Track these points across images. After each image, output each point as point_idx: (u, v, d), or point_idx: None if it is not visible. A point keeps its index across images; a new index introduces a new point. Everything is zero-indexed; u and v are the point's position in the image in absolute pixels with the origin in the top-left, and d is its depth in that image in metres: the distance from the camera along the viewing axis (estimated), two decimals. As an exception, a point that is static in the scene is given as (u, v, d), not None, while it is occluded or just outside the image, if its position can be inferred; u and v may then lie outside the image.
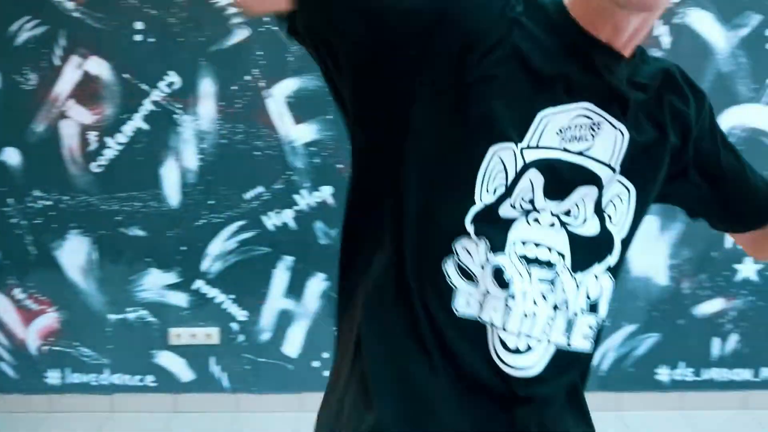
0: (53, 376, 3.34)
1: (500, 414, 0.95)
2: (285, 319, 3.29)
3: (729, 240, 3.17)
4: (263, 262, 3.23)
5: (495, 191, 0.90)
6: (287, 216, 3.19)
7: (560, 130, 0.92)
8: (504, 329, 0.92)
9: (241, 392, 3.34)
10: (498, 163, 0.89)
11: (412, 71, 0.91)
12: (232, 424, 3.25)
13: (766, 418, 3.22)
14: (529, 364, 0.94)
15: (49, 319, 3.29)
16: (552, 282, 0.93)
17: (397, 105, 0.93)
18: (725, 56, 3.04)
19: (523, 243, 0.92)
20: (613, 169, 0.96)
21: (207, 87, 3.09)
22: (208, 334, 3.29)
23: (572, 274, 0.94)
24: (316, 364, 3.30)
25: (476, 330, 0.92)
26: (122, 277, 3.25)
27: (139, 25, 3.03)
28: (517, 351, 0.93)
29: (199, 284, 3.25)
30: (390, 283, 0.94)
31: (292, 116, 3.11)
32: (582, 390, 1.07)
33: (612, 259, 0.99)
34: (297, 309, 3.27)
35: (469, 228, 0.89)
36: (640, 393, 3.31)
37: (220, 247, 3.22)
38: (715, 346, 3.29)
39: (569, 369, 0.99)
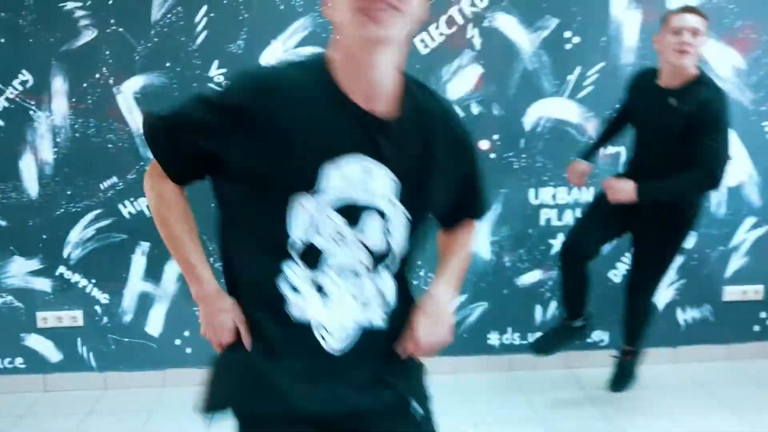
0: None
1: (332, 374, 1.30)
2: (146, 301, 3.39)
3: (543, 217, 3.47)
4: (121, 248, 3.33)
5: (305, 229, 1.23)
6: (142, 204, 3.28)
7: (345, 177, 1.21)
8: (322, 324, 1.28)
9: (107, 371, 3.44)
10: (303, 206, 1.22)
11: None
12: (101, 400, 3.34)
13: (585, 377, 3.48)
14: (341, 345, 1.30)
15: None
16: (358, 284, 1.29)
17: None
18: (530, 55, 3.29)
19: (336, 261, 1.26)
20: (393, 203, 1.27)
21: (59, 85, 3.17)
22: (73, 317, 3.38)
23: (370, 278, 1.29)
24: (177, 342, 3.42)
25: (304, 327, 1.27)
26: None
27: None
28: (333, 333, 1.29)
29: (61, 270, 3.33)
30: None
31: (141, 110, 3.22)
32: (395, 354, 1.38)
33: (393, 267, 1.32)
34: (156, 291, 3.38)
35: (292, 254, 1.24)
36: (474, 356, 3.54)
37: (79, 234, 3.30)
38: (538, 313, 3.55)
39: (376, 341, 1.33)
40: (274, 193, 1.22)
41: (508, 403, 3.23)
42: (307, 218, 1.22)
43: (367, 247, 1.28)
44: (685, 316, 3.60)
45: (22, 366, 3.42)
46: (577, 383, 3.45)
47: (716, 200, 3.49)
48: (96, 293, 3.39)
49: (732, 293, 3.60)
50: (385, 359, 1.35)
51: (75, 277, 3.37)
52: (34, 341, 3.41)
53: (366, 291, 1.30)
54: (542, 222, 3.47)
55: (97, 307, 3.40)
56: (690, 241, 3.46)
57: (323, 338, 1.29)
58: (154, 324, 3.44)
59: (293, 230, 1.23)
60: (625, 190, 2.69)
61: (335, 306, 1.28)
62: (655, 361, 3.54)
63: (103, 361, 3.44)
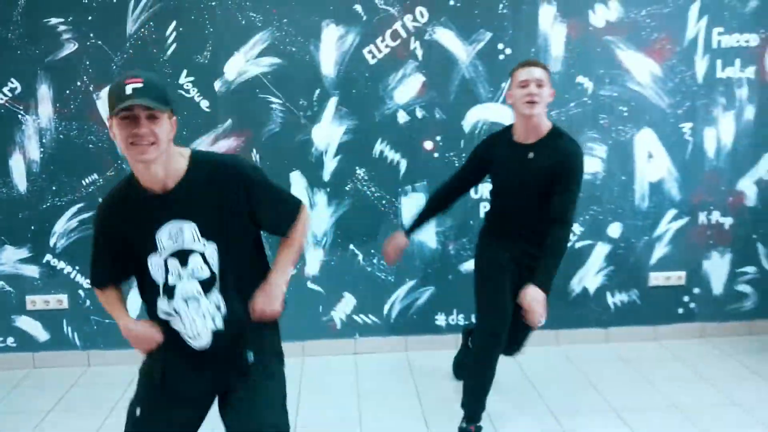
0: None
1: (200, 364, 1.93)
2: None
3: (482, 210, 3.78)
4: None
5: (159, 274, 1.85)
6: None
7: (169, 236, 1.81)
8: (186, 333, 1.89)
9: (90, 349, 3.74)
10: (154, 263, 1.85)
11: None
12: (84, 376, 3.63)
13: (526, 352, 3.82)
14: (204, 344, 1.90)
15: None
16: (199, 304, 1.86)
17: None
18: (467, 65, 3.61)
19: (181, 292, 1.86)
20: (201, 242, 1.83)
21: (44, 92, 3.48)
22: (59, 300, 3.68)
23: (205, 297, 1.87)
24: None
25: (178, 336, 1.90)
26: None
27: None
28: (195, 338, 1.90)
29: (48, 258, 3.64)
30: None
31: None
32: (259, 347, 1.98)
33: (217, 285, 1.88)
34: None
35: (159, 291, 1.88)
36: (423, 336, 3.84)
37: (64, 225, 3.61)
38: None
39: (226, 337, 1.90)
40: (139, 260, 1.88)
41: (453, 381, 3.46)
42: (158, 267, 1.85)
43: (197, 278, 1.86)
44: (614, 299, 3.90)
45: (13, 345, 3.72)
46: (514, 360, 3.63)
47: (639, 194, 3.81)
48: (79, 279, 3.69)
49: (657, 279, 3.91)
50: (232, 343, 1.94)
51: (60, 264, 3.67)
52: (24, 322, 3.71)
53: (204, 308, 1.89)
54: (481, 214, 3.76)
55: (81, 291, 3.70)
56: (617, 231, 3.81)
57: (190, 341, 1.91)
58: (131, 307, 3.70)
59: (153, 276, 1.87)
60: (540, 302, 2.52)
61: (188, 322, 1.89)
62: (587, 341, 3.87)
63: (86, 340, 3.75)
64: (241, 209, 1.88)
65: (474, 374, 2.83)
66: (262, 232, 2.02)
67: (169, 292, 1.87)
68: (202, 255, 1.85)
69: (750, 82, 3.75)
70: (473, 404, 2.81)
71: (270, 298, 1.89)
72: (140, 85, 1.66)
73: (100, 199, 3.43)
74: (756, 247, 3.95)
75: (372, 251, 3.77)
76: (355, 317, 3.83)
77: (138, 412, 1.94)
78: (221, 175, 1.85)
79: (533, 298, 2.50)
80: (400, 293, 3.83)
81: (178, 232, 1.83)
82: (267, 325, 1.95)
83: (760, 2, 3.67)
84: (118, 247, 1.89)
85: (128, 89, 1.65)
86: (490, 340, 2.74)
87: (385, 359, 3.81)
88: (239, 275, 1.91)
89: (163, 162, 1.76)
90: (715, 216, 3.87)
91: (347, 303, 3.79)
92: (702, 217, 3.86)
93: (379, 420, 3.08)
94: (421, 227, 3.05)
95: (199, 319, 1.89)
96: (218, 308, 1.90)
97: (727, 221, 3.89)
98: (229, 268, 1.88)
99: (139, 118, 1.67)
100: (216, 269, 1.87)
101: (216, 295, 1.89)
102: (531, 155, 2.67)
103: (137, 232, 1.84)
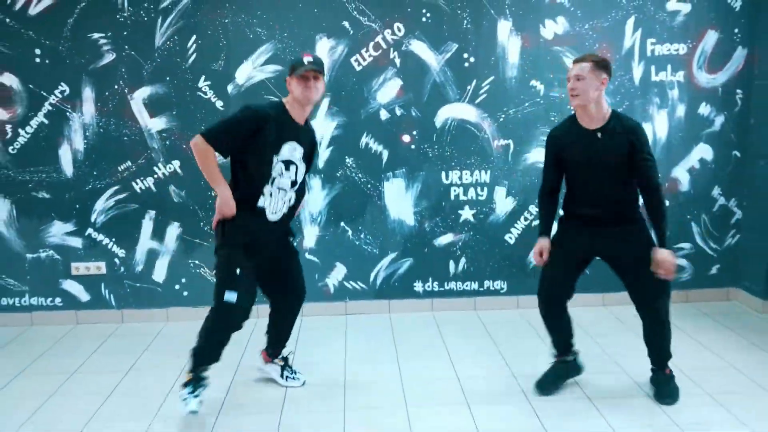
0: None
1: (272, 230, 3.00)
2: (152, 255, 4.32)
3: (452, 193, 4.38)
4: (134, 214, 4.25)
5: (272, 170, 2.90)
6: (149, 182, 4.22)
7: (288, 150, 2.90)
8: (270, 210, 2.94)
9: (124, 308, 4.35)
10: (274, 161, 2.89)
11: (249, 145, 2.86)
12: (118, 330, 4.22)
13: (487, 317, 4.31)
14: (276, 218, 2.97)
15: None
16: (285, 194, 2.96)
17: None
18: (438, 71, 4.19)
19: (278, 183, 2.92)
20: (301, 161, 2.99)
21: (88, 93, 4.11)
22: (98, 267, 4.30)
23: (290, 191, 2.99)
24: (177, 286, 4.35)
25: (263, 211, 2.93)
26: (35, 228, 4.22)
27: (38, 51, 4.05)
28: (274, 214, 2.94)
29: (90, 231, 4.26)
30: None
31: (148, 112, 4.16)
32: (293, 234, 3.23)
33: (295, 188, 3.00)
34: (160, 248, 4.33)
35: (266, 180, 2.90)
36: (403, 300, 4.42)
37: (103, 204, 4.23)
38: (452, 266, 4.42)
39: (287, 220, 3.05)
40: (264, 156, 2.87)
41: (427, 336, 4.01)
42: (274, 165, 2.88)
43: (289, 179, 2.92)
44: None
45: (60, 304, 4.34)
46: (480, 322, 4.26)
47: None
48: (115, 249, 4.31)
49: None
50: (287, 225, 3.09)
51: (99, 237, 4.29)
52: (69, 285, 4.33)
53: (287, 197, 2.98)
54: (452, 197, 4.36)
55: (116, 260, 4.32)
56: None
57: (269, 214, 2.93)
58: (159, 272, 4.35)
59: (270, 169, 2.90)
60: (670, 259, 2.84)
61: (275, 202, 2.93)
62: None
63: (120, 300, 4.36)
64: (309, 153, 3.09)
65: (548, 331, 3.24)
66: None
67: (272, 181, 2.89)
68: (297, 167, 2.95)
69: (680, 85, 4.33)
70: (555, 346, 3.25)
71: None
72: (311, 58, 2.85)
73: (135, 182, 4.11)
74: (690, 226, 4.51)
75: (359, 228, 4.39)
76: (346, 284, 4.45)
77: (237, 271, 2.81)
78: (312, 134, 3.14)
79: (664, 259, 2.82)
80: (383, 263, 4.42)
81: (294, 150, 2.91)
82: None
83: (685, 17, 4.25)
84: (249, 140, 2.79)
85: (305, 60, 2.82)
86: (545, 302, 3.16)
87: (371, 319, 4.41)
88: (299, 191, 3.05)
89: (308, 109, 2.98)
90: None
91: (339, 271, 4.41)
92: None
93: (363, 364, 3.65)
94: (551, 227, 3.18)
95: (281, 203, 2.95)
96: (290, 200, 3.01)
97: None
98: (300, 180, 3.01)
99: (309, 78, 2.83)
100: (298, 178, 2.97)
101: (291, 192, 2.99)
102: (599, 135, 2.89)
103: (275, 140, 2.83)
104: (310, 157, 3.09)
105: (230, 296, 2.76)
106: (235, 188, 2.87)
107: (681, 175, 4.43)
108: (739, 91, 4.34)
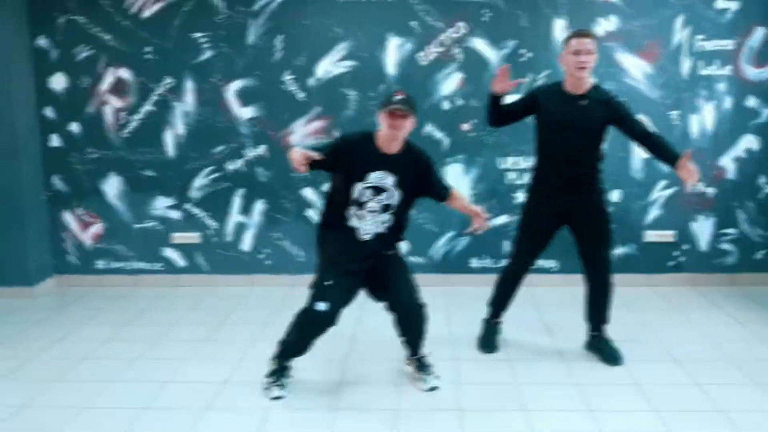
0: (100, 264, 4.92)
1: (363, 247, 3.08)
2: (240, 228, 4.82)
3: (507, 178, 4.74)
4: (226, 192, 4.76)
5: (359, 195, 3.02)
6: (239, 163, 4.74)
7: (376, 178, 3.01)
8: (361, 229, 3.06)
9: (216, 274, 4.87)
10: (361, 187, 3.00)
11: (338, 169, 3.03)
12: (211, 294, 4.71)
13: (540, 293, 4.57)
14: (369, 237, 3.07)
15: (98, 227, 4.86)
16: (377, 217, 3.05)
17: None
18: (496, 66, 4.57)
19: (369, 206, 3.03)
20: (395, 189, 3.05)
21: (189, 85, 4.66)
22: (194, 237, 4.86)
23: (382, 214, 3.06)
24: (261, 256, 4.84)
25: (355, 230, 3.06)
26: (141, 201, 4.79)
27: (148, 49, 4.64)
28: (366, 234, 3.07)
29: (188, 206, 4.80)
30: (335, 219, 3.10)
31: (239, 102, 4.68)
32: (394, 248, 3.24)
33: (391, 211, 3.08)
34: (248, 221, 4.83)
35: (353, 203, 3.03)
36: (460, 275, 4.77)
37: (200, 182, 4.77)
38: (506, 245, 4.76)
39: (379, 237, 3.09)
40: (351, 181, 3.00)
41: (483, 308, 4.17)
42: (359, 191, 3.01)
43: (381, 203, 3.02)
44: (614, 251, 4.74)
45: (162, 269, 4.91)
46: (531, 298, 4.50)
47: (635, 167, 4.66)
48: (209, 221, 4.84)
49: (651, 236, 4.72)
50: (382, 244, 3.10)
51: (195, 211, 4.83)
52: (169, 252, 4.89)
53: (379, 219, 3.06)
54: (507, 181, 4.69)
55: (210, 231, 4.85)
56: (617, 196, 4.67)
57: (360, 233, 3.05)
58: (246, 243, 4.86)
59: (354, 195, 3.02)
60: (692, 168, 3.00)
61: (365, 223, 3.05)
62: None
63: (213, 267, 4.88)
64: (416, 184, 3.11)
65: (496, 283, 3.60)
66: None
67: (361, 204, 3.03)
68: (388, 193, 3.04)
69: (727, 79, 4.53)
70: (494, 307, 3.63)
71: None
72: (402, 96, 2.95)
73: (227, 163, 4.65)
74: (735, 213, 4.70)
75: (421, 208, 4.80)
76: (408, 258, 4.87)
77: (328, 282, 2.97)
78: (417, 160, 3.13)
79: (688, 166, 2.98)
80: (442, 241, 4.80)
81: (382, 177, 3.00)
82: (397, 240, 3.19)
83: (733, 15, 4.46)
84: (335, 163, 3.02)
85: (395, 99, 2.93)
86: (511, 273, 3.50)
87: (431, 292, 4.73)
88: (402, 212, 3.13)
89: (396, 142, 3.02)
90: (700, 186, 4.67)
91: (403, 247, 4.80)
92: (689, 187, 4.67)
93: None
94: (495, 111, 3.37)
95: (372, 224, 3.07)
96: (384, 223, 3.08)
97: (711, 190, 4.67)
98: (401, 207, 3.11)
99: (396, 116, 2.92)
100: (392, 203, 3.06)
101: (387, 215, 3.07)
102: (584, 102, 3.12)
103: (359, 167, 2.99)
104: (413, 183, 3.09)
105: (319, 306, 2.92)
106: (328, 206, 3.14)
107: (727, 164, 4.62)
108: (786, 84, 4.50)
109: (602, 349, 3.44)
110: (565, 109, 3.16)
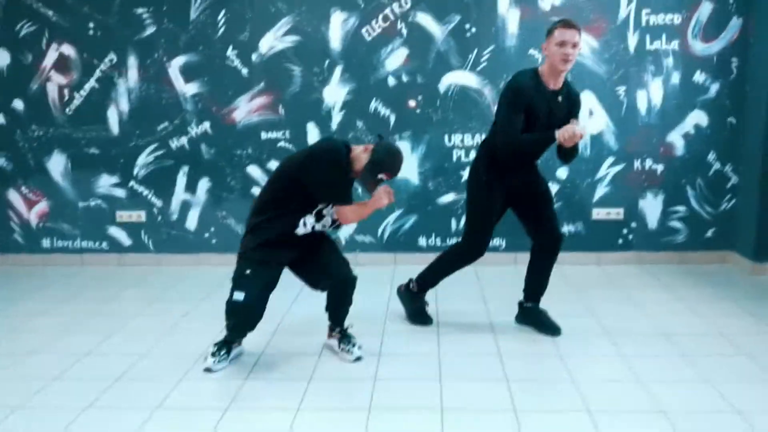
0: (46, 243, 4.86)
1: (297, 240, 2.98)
2: (186, 206, 4.76)
3: (455, 155, 4.66)
4: (170, 170, 4.70)
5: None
6: (184, 140, 4.67)
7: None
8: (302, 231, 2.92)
9: (161, 253, 4.82)
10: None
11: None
12: (155, 272, 4.67)
13: (484, 272, 4.46)
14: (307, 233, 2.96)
15: (43, 206, 4.80)
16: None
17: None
18: (442, 41, 4.46)
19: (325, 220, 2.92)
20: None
21: (132, 61, 4.59)
22: (139, 215, 4.77)
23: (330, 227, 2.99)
24: (206, 235, 4.78)
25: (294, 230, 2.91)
26: (86, 179, 4.73)
27: (91, 24, 4.56)
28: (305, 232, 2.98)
29: (132, 183, 4.74)
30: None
31: (183, 78, 4.61)
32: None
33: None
34: (193, 200, 4.76)
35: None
36: (408, 254, 4.69)
37: (144, 160, 4.71)
38: (453, 223, 4.69)
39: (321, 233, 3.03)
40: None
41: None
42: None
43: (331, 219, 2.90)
44: (563, 230, 4.66)
45: (106, 248, 4.85)
46: (475, 275, 4.45)
47: (583, 143, 4.59)
48: (154, 200, 4.78)
49: (598, 214, 4.65)
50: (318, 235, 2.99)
51: (140, 188, 4.77)
52: (114, 231, 4.83)
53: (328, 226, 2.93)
54: (454, 159, 4.62)
55: (155, 210, 4.79)
56: (564, 173, 4.61)
57: (299, 231, 2.91)
58: (191, 222, 4.80)
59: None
60: (572, 128, 2.90)
61: (311, 229, 2.91)
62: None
63: (158, 246, 4.83)
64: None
65: (440, 263, 3.50)
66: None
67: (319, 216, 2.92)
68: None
69: (675, 53, 4.47)
70: (425, 282, 3.55)
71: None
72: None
73: (171, 140, 4.59)
74: (685, 190, 4.63)
75: (371, 187, 4.72)
76: (356, 237, 4.80)
77: (247, 272, 2.88)
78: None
79: (566, 128, 2.90)
80: (390, 219, 4.72)
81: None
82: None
83: (679, -12, 4.39)
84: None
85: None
86: (467, 255, 3.37)
87: (378, 270, 4.72)
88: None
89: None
90: (648, 163, 4.59)
91: (350, 226, 4.75)
92: (637, 164, 4.59)
93: (365, 304, 3.93)
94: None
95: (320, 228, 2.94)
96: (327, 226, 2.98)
97: (659, 167, 4.59)
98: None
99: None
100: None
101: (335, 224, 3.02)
102: (560, 99, 3.05)
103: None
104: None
105: (237, 296, 2.86)
106: (278, 216, 2.92)
107: (676, 140, 4.55)
108: (734, 59, 4.43)
109: (541, 320, 3.39)
110: (546, 106, 3.05)
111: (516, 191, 3.25)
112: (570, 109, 3.11)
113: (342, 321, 3.20)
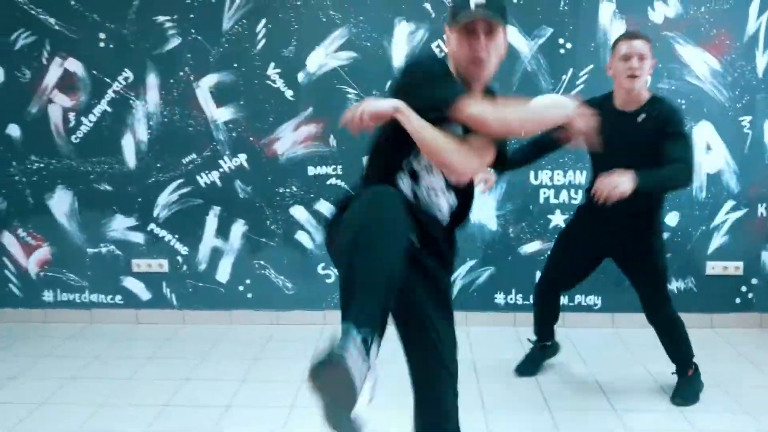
0: (48, 295, 4.12)
1: None
2: (216, 254, 4.01)
3: (542, 196, 3.87)
4: (198, 210, 3.95)
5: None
6: (215, 176, 3.91)
7: None
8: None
9: (185, 309, 4.07)
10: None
11: None
12: (179, 332, 3.96)
13: (576, 334, 3.79)
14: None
15: (44, 252, 4.07)
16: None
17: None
18: (529, 58, 3.69)
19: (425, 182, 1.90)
20: None
21: (152, 80, 3.83)
22: (160, 264, 4.03)
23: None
24: (241, 288, 4.02)
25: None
26: (96, 221, 3.99)
27: (102, 35, 3.81)
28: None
29: (152, 226, 3.99)
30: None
31: (214, 101, 3.85)
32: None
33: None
34: (225, 246, 4.00)
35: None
36: (482, 312, 3.96)
37: (166, 198, 3.95)
38: (538, 277, 3.97)
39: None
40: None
41: (511, 352, 3.52)
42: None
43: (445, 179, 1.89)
44: (671, 286, 3.88)
45: (120, 302, 4.10)
46: (569, 340, 3.74)
47: (698, 184, 3.79)
48: (178, 246, 4.03)
49: (714, 268, 3.88)
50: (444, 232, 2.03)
51: (162, 233, 4.02)
52: (130, 283, 4.09)
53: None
54: (541, 200, 3.85)
55: (179, 257, 4.04)
56: (674, 220, 3.83)
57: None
58: (223, 272, 4.05)
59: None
60: (622, 182, 2.36)
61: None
62: (644, 326, 3.83)
63: (182, 300, 4.08)
64: None
65: (534, 315, 3.24)
66: None
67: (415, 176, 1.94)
68: None
69: (815, 77, 3.68)
70: (537, 331, 3.26)
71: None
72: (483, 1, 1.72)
73: (199, 176, 3.81)
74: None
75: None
76: (419, 292, 4.00)
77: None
78: None
79: (618, 180, 2.35)
80: (461, 272, 3.96)
81: None
82: None
83: (824, -3, 3.60)
84: None
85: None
86: (543, 287, 3.11)
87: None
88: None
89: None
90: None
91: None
92: (761, 210, 3.81)
93: None
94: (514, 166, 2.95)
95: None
96: (448, 203, 2.07)
97: (788, 214, 3.82)
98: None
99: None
100: None
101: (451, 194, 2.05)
102: (639, 119, 2.65)
103: None
104: None
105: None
106: None
107: (816, 177, 3.77)
108: None
109: (678, 387, 3.00)
110: (613, 128, 2.51)
111: (612, 248, 2.90)
112: (655, 126, 2.61)
113: None
